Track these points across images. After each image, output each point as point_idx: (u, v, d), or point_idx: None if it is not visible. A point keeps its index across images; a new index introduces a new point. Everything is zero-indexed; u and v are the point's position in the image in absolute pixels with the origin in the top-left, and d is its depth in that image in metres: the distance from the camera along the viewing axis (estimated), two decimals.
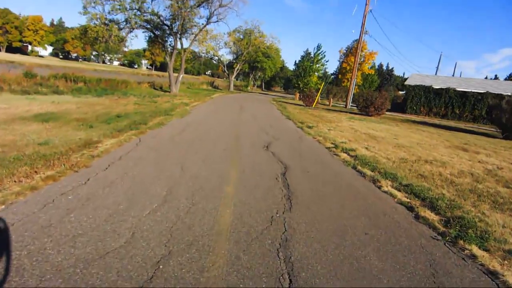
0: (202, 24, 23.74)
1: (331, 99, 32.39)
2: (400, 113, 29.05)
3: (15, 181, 3.55)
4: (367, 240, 3.13)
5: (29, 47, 78.96)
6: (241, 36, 43.33)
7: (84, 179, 3.94)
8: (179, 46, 23.25)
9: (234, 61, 45.94)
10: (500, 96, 23.61)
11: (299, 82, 43.15)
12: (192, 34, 23.81)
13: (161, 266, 2.35)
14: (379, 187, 5.02)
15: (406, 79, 40.75)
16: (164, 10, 23.62)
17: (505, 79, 59.96)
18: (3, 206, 3.01)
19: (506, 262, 2.94)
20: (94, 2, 18.78)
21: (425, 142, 10.94)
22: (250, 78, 56.73)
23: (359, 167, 6.14)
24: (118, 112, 9.79)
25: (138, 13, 20.25)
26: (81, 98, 13.18)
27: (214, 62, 56.36)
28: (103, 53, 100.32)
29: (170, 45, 23.64)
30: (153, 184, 4.03)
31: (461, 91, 29.15)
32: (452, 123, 24.65)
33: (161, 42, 23.53)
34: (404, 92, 37.03)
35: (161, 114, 10.49)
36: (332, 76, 51.29)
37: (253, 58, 45.68)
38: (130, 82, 22.20)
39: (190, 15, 21.44)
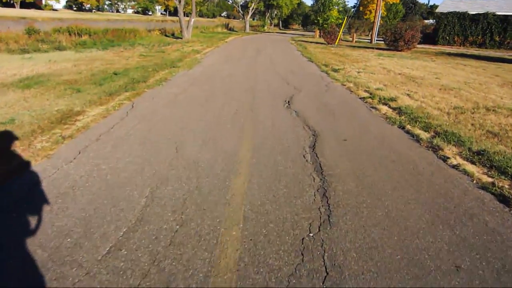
0: None
1: (354, 35, 28.01)
2: (431, 45, 24.76)
3: None
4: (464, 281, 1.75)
5: (43, 1, 76.70)
6: None
7: (30, 184, 2.77)
8: None
9: (248, 0, 41.99)
10: None
11: (318, 18, 38.00)
12: None
13: None
14: (444, 159, 3.50)
15: (432, 6, 34.67)
16: None
17: None
18: None
19: None
20: None
21: (473, 81, 8.67)
22: (266, 17, 52.46)
23: (408, 126, 4.59)
24: (117, 69, 8.40)
25: None
26: (83, 54, 11.84)
27: (229, 2, 51.47)
28: (116, 1, 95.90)
29: None
30: (129, 184, 2.77)
31: (502, 15, 23.87)
32: (492, 53, 20.51)
33: None
34: (431, 21, 31.35)
35: (166, 67, 8.97)
36: (353, 9, 45.08)
37: None
38: (139, 31, 20.33)
39: None
